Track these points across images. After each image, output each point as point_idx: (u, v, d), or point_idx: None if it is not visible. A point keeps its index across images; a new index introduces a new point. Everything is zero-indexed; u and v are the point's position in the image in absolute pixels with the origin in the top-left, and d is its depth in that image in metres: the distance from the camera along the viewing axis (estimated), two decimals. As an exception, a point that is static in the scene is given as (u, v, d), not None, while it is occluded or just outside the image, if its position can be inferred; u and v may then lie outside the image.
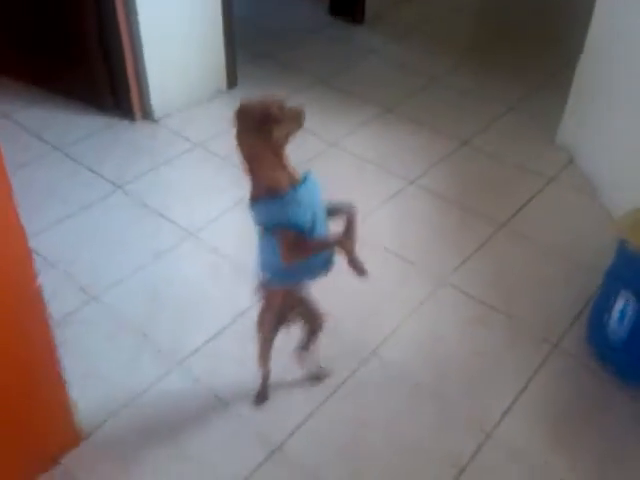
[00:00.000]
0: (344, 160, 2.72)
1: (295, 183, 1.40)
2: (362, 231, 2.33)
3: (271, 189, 1.40)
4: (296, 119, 1.37)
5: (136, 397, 1.82)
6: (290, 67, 3.35)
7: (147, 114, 2.88)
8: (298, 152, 2.84)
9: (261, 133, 1.35)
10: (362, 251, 2.27)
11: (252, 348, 1.96)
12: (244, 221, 2.41)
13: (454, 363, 1.98)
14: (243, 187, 2.51)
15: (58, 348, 1.55)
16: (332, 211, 1.50)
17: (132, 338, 1.97)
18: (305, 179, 1.42)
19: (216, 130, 2.85)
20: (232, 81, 3.12)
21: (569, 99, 2.78)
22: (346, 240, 1.49)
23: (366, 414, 1.83)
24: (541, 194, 2.60)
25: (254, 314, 2.05)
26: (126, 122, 2.87)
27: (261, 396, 1.85)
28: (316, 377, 1.90)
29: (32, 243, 2.27)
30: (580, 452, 1.76)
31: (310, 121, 3.07)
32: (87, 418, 1.73)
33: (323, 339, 1.78)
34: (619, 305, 1.85)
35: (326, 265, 1.53)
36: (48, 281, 2.10)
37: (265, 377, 1.84)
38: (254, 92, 3.08)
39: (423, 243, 2.37)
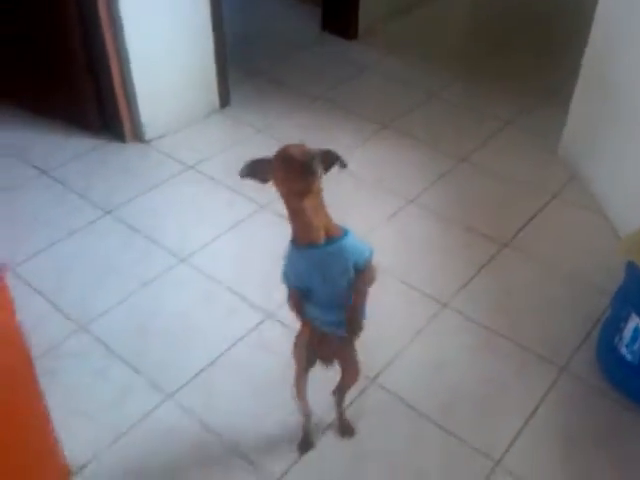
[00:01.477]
0: (341, 178, 2.63)
1: (313, 242, 1.31)
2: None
3: (293, 236, 1.36)
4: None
5: (125, 434, 1.73)
6: (284, 84, 3.29)
7: (138, 135, 2.80)
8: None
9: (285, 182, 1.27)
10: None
11: (247, 379, 1.89)
12: (237, 246, 2.36)
13: (459, 390, 1.89)
14: (236, 211, 2.47)
15: (43, 382, 1.46)
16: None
17: (121, 371, 1.88)
18: (324, 247, 1.32)
19: (209, 151, 2.77)
20: (225, 100, 3.05)
21: (570, 113, 2.71)
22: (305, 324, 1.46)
23: (367, 445, 1.74)
24: (544, 211, 2.53)
25: (247, 343, 1.98)
26: (116, 144, 2.79)
27: (304, 443, 1.72)
28: (340, 431, 1.76)
29: (18, 270, 2.22)
30: (592, 478, 1.68)
31: (306, 141, 3.02)
32: (74, 457, 1.64)
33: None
34: (630, 328, 1.77)
35: (325, 324, 1.44)
36: (34, 310, 2.04)
37: (306, 419, 1.70)
38: (248, 111, 3.07)
39: (424, 264, 2.29)
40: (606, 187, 2.51)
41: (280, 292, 2.06)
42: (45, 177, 2.59)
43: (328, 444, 1.73)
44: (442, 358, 1.98)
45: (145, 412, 1.78)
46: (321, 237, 1.31)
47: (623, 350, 1.80)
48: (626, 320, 1.78)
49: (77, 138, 2.81)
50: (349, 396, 1.83)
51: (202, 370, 1.90)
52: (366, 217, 2.46)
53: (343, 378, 1.63)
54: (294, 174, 1.23)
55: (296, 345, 1.55)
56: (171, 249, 2.29)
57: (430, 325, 2.07)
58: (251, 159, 1.30)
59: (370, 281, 1.39)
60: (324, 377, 1.61)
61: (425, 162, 2.77)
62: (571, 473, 1.70)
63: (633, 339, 1.77)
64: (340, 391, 1.69)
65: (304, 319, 1.45)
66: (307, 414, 1.70)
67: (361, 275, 1.36)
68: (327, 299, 1.38)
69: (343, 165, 1.33)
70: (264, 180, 1.30)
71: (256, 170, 1.30)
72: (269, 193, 2.58)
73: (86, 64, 2.67)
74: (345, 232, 1.35)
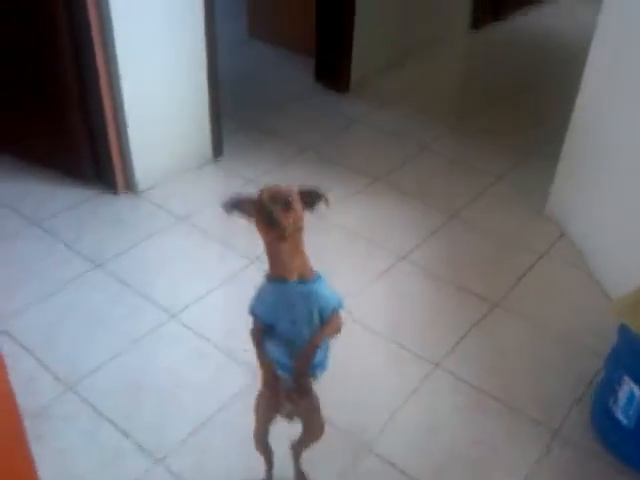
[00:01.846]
0: (332, 233, 2.65)
1: (284, 278, 1.33)
2: (353, 309, 2.28)
3: (268, 270, 1.36)
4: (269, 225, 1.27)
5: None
6: (276, 135, 3.32)
7: (130, 186, 2.80)
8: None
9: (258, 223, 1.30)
10: (352, 331, 2.21)
11: (239, 439, 1.86)
12: (230, 301, 2.35)
13: (452, 453, 1.87)
14: (229, 265, 2.46)
15: (32, 447, 1.43)
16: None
17: (110, 434, 1.84)
18: (293, 286, 1.33)
19: (202, 203, 2.78)
20: (218, 150, 3.07)
21: (557, 172, 2.76)
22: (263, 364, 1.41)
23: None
24: (533, 270, 2.55)
25: (240, 403, 1.95)
26: (107, 195, 2.78)
27: None
28: None
29: (7, 325, 2.18)
30: None
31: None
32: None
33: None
34: (624, 391, 1.78)
35: (282, 368, 1.43)
36: (23, 369, 2.00)
37: (267, 466, 1.69)
38: (240, 161, 3.09)
39: (416, 323, 2.29)
40: (593, 246, 2.54)
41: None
42: (35, 228, 2.58)
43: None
44: (435, 420, 1.96)
45: (135, 478, 1.74)
46: (293, 276, 1.32)
47: (618, 414, 1.80)
48: (619, 383, 1.79)
49: (69, 188, 2.80)
50: (343, 464, 1.81)
51: (195, 431, 1.86)
52: (358, 273, 2.46)
53: (303, 434, 1.60)
54: (262, 222, 1.27)
55: (258, 397, 1.53)
56: (162, 304, 2.27)
57: (423, 386, 2.05)
58: (236, 196, 1.32)
59: (333, 332, 1.39)
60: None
61: (416, 217, 2.79)
62: None
63: (628, 403, 1.77)
64: (299, 445, 1.65)
65: (261, 356, 1.41)
66: (268, 465, 1.68)
67: (325, 324, 1.36)
68: (287, 341, 1.37)
69: (326, 202, 1.34)
70: (248, 216, 1.31)
71: (240, 206, 1.32)
72: (261, 247, 2.59)
73: (81, 114, 2.67)
74: (318, 278, 1.36)
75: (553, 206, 2.80)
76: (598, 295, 2.41)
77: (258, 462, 1.69)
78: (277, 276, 1.33)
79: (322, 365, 1.45)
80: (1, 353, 1.21)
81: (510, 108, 3.75)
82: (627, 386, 1.77)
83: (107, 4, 2.40)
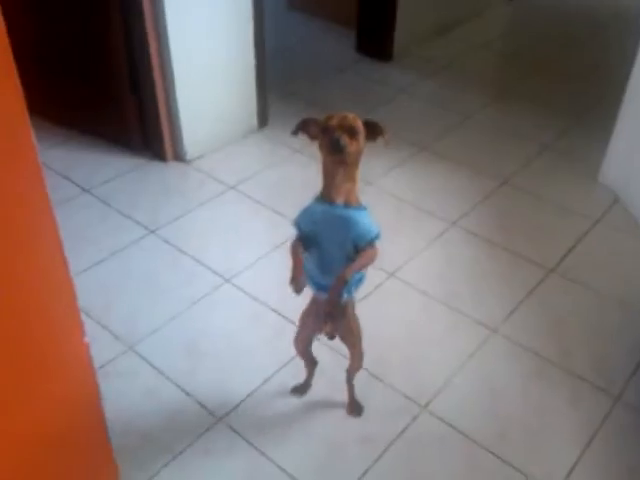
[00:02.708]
0: (382, 201, 2.63)
1: (330, 201, 1.41)
2: (408, 276, 2.26)
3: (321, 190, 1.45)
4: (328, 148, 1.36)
5: (178, 455, 1.71)
6: (320, 105, 3.29)
7: (178, 155, 2.81)
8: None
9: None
10: (408, 296, 2.20)
11: (294, 400, 1.87)
12: (282, 267, 2.34)
13: (512, 418, 1.86)
14: (279, 231, 2.46)
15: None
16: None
17: (171, 393, 1.87)
18: (337, 208, 1.41)
19: (249, 171, 2.77)
20: (263, 120, 3.06)
21: (612, 137, 2.70)
22: (296, 277, 1.46)
23: (421, 474, 1.71)
24: (588, 236, 2.50)
25: (296, 365, 1.96)
26: (156, 163, 2.80)
27: (300, 388, 1.88)
28: (350, 407, 1.84)
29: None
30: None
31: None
32: (128, 478, 1.62)
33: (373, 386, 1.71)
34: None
35: (315, 286, 1.53)
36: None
37: (307, 373, 1.85)
38: (285, 131, 3.06)
39: (470, 289, 2.26)
40: (651, 212, 2.49)
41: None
42: (88, 195, 2.60)
43: (382, 476, 1.71)
44: (494, 385, 1.94)
45: (197, 434, 1.76)
46: (339, 200, 1.40)
47: (683, 380, 1.77)
48: (686, 349, 1.75)
49: (119, 156, 2.82)
50: (400, 423, 1.81)
51: (254, 391, 1.88)
52: (410, 240, 2.44)
53: (350, 359, 1.73)
54: (327, 146, 1.35)
55: (304, 310, 1.65)
56: (216, 269, 2.28)
57: (480, 351, 2.04)
58: (303, 118, 1.43)
59: (366, 263, 1.44)
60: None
61: (465, 185, 2.75)
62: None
63: (694, 369, 1.74)
64: (348, 371, 1.77)
65: (296, 266, 1.46)
66: (308, 372, 1.84)
67: (359, 254, 1.41)
68: (323, 260, 1.46)
69: (387, 137, 1.43)
70: (312, 137, 1.40)
71: (306, 128, 1.42)
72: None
73: (130, 82, 2.68)
74: (362, 208, 1.43)
75: (607, 172, 2.74)
76: (656, 262, 2.37)
77: (317, 417, 1.69)
78: (326, 196, 1.41)
79: (356, 285, 1.52)
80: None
81: (555, 74, 3.67)
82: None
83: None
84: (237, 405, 1.84)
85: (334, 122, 1.34)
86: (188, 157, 2.81)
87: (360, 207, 1.43)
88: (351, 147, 1.34)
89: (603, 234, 2.52)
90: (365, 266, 1.46)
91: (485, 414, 1.86)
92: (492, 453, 1.75)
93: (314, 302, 1.60)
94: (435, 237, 2.47)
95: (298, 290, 1.47)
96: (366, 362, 1.83)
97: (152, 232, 2.43)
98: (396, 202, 2.62)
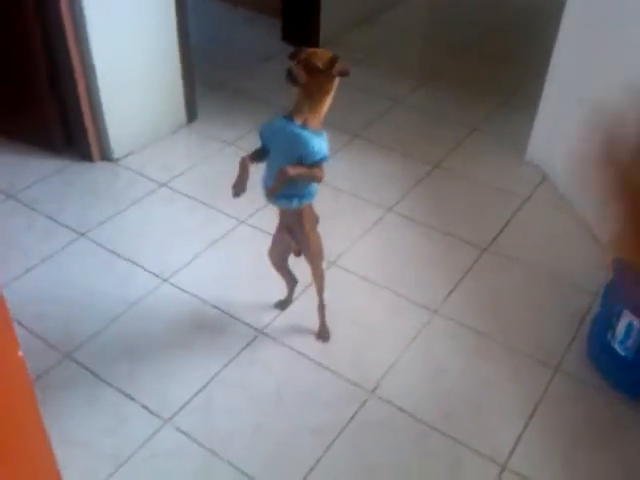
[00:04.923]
0: (318, 191, 2.62)
1: (290, 118, 1.61)
2: (348, 264, 2.26)
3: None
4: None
5: (125, 462, 1.67)
6: (248, 96, 3.26)
7: (105, 154, 2.72)
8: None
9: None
10: (349, 282, 2.20)
11: (243, 398, 1.85)
12: (220, 263, 2.32)
13: (458, 396, 1.90)
14: (215, 227, 2.42)
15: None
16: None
17: (113, 398, 1.81)
18: (291, 125, 1.59)
19: (180, 168, 2.71)
20: (192, 114, 3.00)
21: (537, 117, 2.77)
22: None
23: (373, 459, 1.72)
24: (519, 214, 2.57)
25: (243, 360, 1.94)
26: (83, 163, 2.70)
27: (282, 303, 2.10)
28: (320, 334, 2.01)
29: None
30: (596, 477, 1.71)
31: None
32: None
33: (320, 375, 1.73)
34: (623, 324, 1.81)
35: (263, 185, 1.71)
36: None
37: (288, 287, 2.06)
38: (215, 124, 3.03)
39: (409, 273, 2.29)
40: (576, 187, 2.57)
41: (269, 311, 2.05)
42: (12, 201, 2.49)
43: (334, 462, 1.71)
44: (438, 365, 1.98)
45: (143, 440, 1.71)
46: (298, 120, 1.60)
47: (616, 346, 1.85)
48: (618, 317, 1.82)
49: (43, 160, 2.70)
50: (349, 409, 1.82)
51: (199, 391, 1.84)
52: (348, 227, 2.45)
53: (312, 279, 1.92)
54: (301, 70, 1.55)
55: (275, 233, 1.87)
56: (152, 269, 2.22)
57: (423, 333, 2.07)
58: (296, 48, 1.60)
59: (310, 175, 1.63)
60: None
61: (399, 170, 2.78)
62: (575, 471, 1.73)
63: (626, 335, 1.81)
64: (318, 296, 1.95)
65: (242, 173, 1.66)
66: (288, 283, 2.05)
67: (299, 165, 1.60)
68: (272, 167, 1.64)
69: (339, 70, 1.59)
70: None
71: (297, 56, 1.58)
72: (247, 207, 2.56)
73: (50, 82, 2.57)
74: (317, 133, 1.61)
75: (533, 151, 2.83)
76: (582, 235, 2.45)
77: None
78: (289, 115, 1.61)
79: (307, 197, 1.72)
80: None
81: (479, 58, 3.75)
82: (626, 319, 1.81)
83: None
84: (183, 406, 1.81)
85: (302, 55, 1.55)
86: (115, 156, 2.73)
87: (317, 131, 1.60)
88: (301, 79, 1.54)
89: (533, 211, 2.60)
90: (307, 178, 1.63)
91: (431, 394, 1.89)
92: (440, 432, 1.78)
93: (279, 221, 1.83)
94: (372, 224, 2.48)
95: (235, 195, 1.67)
96: (312, 352, 1.82)
97: (82, 235, 2.35)
98: (332, 191, 2.62)
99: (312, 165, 1.60)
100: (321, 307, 1.98)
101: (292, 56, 1.57)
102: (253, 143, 2.92)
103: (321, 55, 1.56)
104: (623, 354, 1.84)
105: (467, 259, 2.35)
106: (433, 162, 2.83)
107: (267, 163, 1.68)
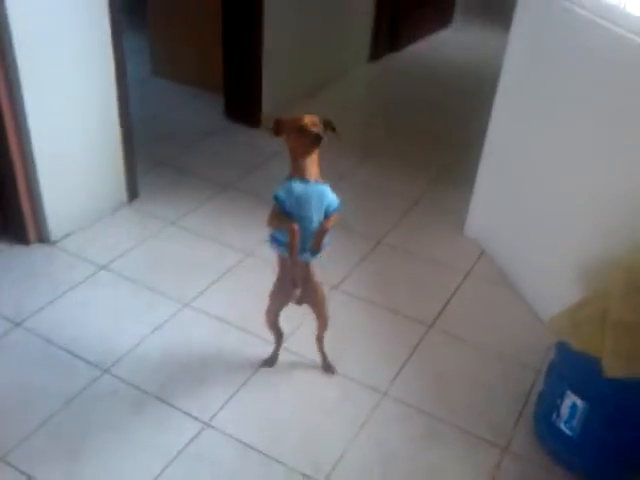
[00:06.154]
0: (263, 270, 2.60)
1: (305, 179, 1.78)
2: (295, 347, 2.23)
3: (290, 173, 1.82)
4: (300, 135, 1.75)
5: None
6: (190, 174, 3.26)
7: (43, 236, 2.64)
8: (215, 263, 2.70)
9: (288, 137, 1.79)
10: (296, 366, 2.17)
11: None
12: (167, 348, 2.25)
13: (409, 483, 1.87)
14: (158, 311, 2.36)
15: None
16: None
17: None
18: (312, 184, 1.78)
19: (121, 249, 2.66)
20: (133, 193, 2.96)
21: (474, 192, 2.87)
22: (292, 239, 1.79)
23: None
24: (461, 290, 2.62)
25: (184, 460, 1.85)
26: (18, 247, 2.61)
27: (269, 361, 2.18)
28: (325, 368, 2.18)
29: None
30: None
31: (221, 231, 2.96)
32: None
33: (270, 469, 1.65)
34: (567, 405, 1.84)
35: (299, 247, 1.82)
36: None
37: (276, 344, 2.16)
38: (157, 203, 3.00)
39: (357, 352, 2.28)
40: (514, 263, 2.65)
41: (214, 399, 1.99)
42: (-59, 290, 2.38)
43: None
44: (389, 450, 1.95)
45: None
46: (311, 177, 1.78)
47: (562, 426, 1.87)
48: (562, 397, 1.85)
49: (-26, 244, 2.61)
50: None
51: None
52: (294, 308, 2.43)
53: (317, 323, 2.07)
54: (305, 139, 1.74)
55: (274, 284, 1.98)
56: (93, 360, 2.14)
57: (373, 417, 2.04)
58: (276, 118, 1.79)
59: (334, 222, 1.82)
60: None
61: (344, 246, 2.79)
62: None
63: (571, 415, 1.84)
64: (318, 335, 2.12)
65: (288, 221, 1.78)
66: (277, 343, 2.16)
67: (329, 217, 1.81)
68: (303, 228, 1.77)
69: (334, 130, 1.83)
70: (279, 134, 1.79)
71: (281, 127, 1.78)
72: (191, 289, 2.51)
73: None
74: (326, 184, 1.82)
75: (471, 226, 2.91)
76: (523, 310, 2.51)
77: None
78: (301, 176, 1.77)
79: (326, 246, 1.86)
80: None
81: (417, 134, 3.87)
82: (569, 400, 1.83)
83: (10, 42, 2.26)
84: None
85: (307, 121, 1.74)
86: (53, 238, 2.65)
87: (325, 183, 1.81)
88: (324, 137, 1.74)
89: (474, 286, 2.65)
90: (333, 226, 1.82)
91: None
92: (394, 524, 1.75)
93: (283, 276, 1.94)
94: (318, 303, 2.47)
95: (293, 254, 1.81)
96: (261, 444, 1.76)
97: (18, 325, 2.25)
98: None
99: (333, 212, 1.82)
100: (322, 344, 2.15)
101: (302, 125, 1.73)
102: (196, 221, 2.92)
103: (318, 118, 1.78)
104: (569, 434, 1.86)
105: (413, 337, 2.36)
106: (376, 238, 2.87)
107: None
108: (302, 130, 1.73)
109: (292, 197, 1.77)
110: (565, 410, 1.85)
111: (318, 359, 2.18)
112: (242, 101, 3.71)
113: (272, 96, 3.73)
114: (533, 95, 2.43)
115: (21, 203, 2.57)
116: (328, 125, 1.80)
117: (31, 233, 2.63)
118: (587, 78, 2.13)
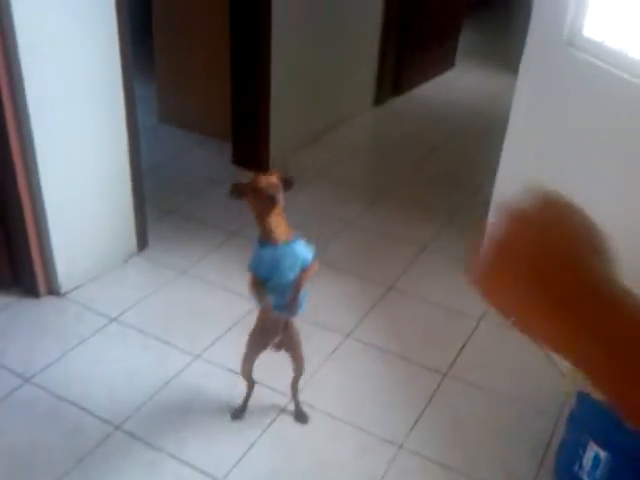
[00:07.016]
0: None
1: (273, 243, 1.77)
2: (309, 398, 2.20)
3: (259, 237, 1.82)
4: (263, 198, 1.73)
5: None
6: (199, 221, 3.26)
7: (52, 288, 2.63)
8: (225, 312, 2.67)
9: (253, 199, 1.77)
10: (312, 418, 2.13)
11: None
12: (176, 403, 2.22)
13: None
14: (170, 365, 2.33)
15: None
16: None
17: None
18: (280, 247, 1.77)
19: (131, 300, 2.64)
20: (143, 243, 2.96)
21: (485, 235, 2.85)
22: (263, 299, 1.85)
23: None
24: (475, 335, 2.59)
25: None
26: (28, 300, 2.60)
27: (238, 412, 2.13)
28: (297, 416, 2.14)
29: None
30: None
31: (230, 279, 2.94)
32: None
33: None
34: (589, 456, 1.79)
35: (277, 308, 1.86)
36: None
37: (248, 392, 2.12)
38: (167, 252, 2.99)
39: (372, 403, 2.25)
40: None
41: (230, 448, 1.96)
42: (-49, 345, 2.36)
43: None
44: (407, 507, 1.90)
45: None
46: (280, 240, 1.77)
47: (585, 478, 1.81)
48: (584, 448, 1.80)
49: (-16, 297, 2.60)
50: None
51: None
52: (307, 356, 2.40)
53: (294, 367, 2.06)
54: (262, 201, 1.73)
55: (251, 333, 1.98)
56: (104, 416, 2.10)
57: (389, 471, 2.00)
58: (233, 183, 1.79)
59: (311, 275, 1.84)
60: None
61: (354, 293, 2.78)
62: None
63: (594, 467, 1.79)
64: (294, 378, 2.09)
65: (262, 300, 1.84)
66: (248, 391, 2.12)
67: (304, 271, 1.81)
68: (277, 287, 1.80)
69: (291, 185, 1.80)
70: (242, 196, 1.77)
71: (240, 191, 1.78)
72: (199, 340, 2.49)
73: (-5, 217, 2.52)
74: (297, 238, 1.81)
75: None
76: (538, 355, 2.47)
77: None
78: (269, 241, 1.77)
79: (302, 305, 1.88)
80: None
81: (424, 177, 3.88)
82: (592, 451, 1.79)
83: (23, 93, 2.28)
84: None
85: (263, 184, 1.73)
86: (63, 290, 2.64)
87: (295, 239, 1.80)
88: (280, 197, 1.74)
89: (488, 331, 2.61)
90: (310, 277, 1.84)
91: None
92: None
93: (261, 326, 1.96)
94: (330, 352, 2.45)
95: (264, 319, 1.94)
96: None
97: (27, 381, 2.22)
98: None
99: (308, 265, 1.82)
100: (296, 389, 2.12)
101: (258, 187, 1.73)
102: (206, 270, 2.90)
103: (276, 179, 1.76)
104: (593, 487, 1.81)
105: (427, 386, 2.32)
106: (387, 283, 2.85)
107: (270, 287, 1.82)
108: (258, 192, 1.74)
109: (264, 264, 1.79)
110: (588, 461, 1.80)
111: (293, 406, 2.16)
112: (250, 147, 3.73)
113: (279, 141, 3.75)
114: (542, 137, 2.44)
115: (32, 255, 2.57)
116: (288, 183, 1.79)
117: (41, 285, 2.62)
118: (595, 120, 2.14)
